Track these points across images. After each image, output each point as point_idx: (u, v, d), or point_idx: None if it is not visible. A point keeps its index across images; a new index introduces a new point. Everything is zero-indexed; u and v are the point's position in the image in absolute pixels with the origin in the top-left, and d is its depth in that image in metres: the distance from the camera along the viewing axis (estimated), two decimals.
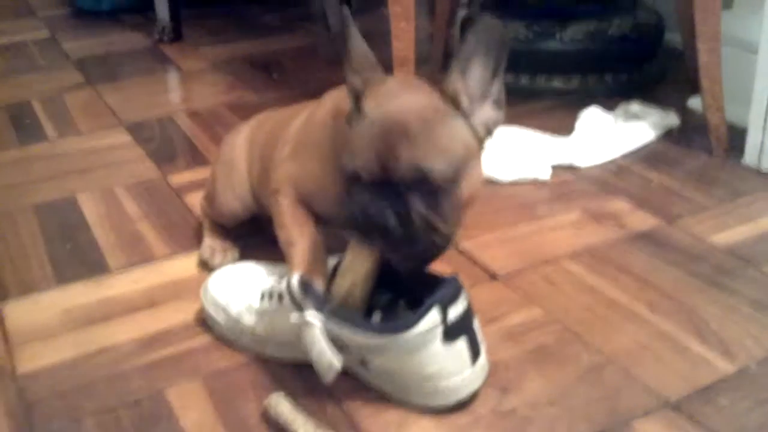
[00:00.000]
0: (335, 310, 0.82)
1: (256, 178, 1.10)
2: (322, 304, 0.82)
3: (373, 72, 0.86)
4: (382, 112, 0.80)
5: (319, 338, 0.81)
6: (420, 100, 0.82)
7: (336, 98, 0.97)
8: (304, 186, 0.97)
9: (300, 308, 0.83)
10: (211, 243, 1.13)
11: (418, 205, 0.78)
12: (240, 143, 1.14)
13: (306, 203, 0.97)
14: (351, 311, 0.84)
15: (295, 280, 0.85)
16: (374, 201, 0.79)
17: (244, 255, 1.13)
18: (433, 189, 0.79)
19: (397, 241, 0.79)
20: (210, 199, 1.16)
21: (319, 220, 0.97)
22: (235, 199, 1.12)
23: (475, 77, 0.82)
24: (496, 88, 0.83)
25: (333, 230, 0.97)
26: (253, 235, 1.16)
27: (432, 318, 0.80)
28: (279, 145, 1.03)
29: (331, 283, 0.87)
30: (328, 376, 0.82)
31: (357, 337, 0.82)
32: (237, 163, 1.13)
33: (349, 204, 0.81)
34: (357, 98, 0.85)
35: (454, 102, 0.82)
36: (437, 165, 0.78)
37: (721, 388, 0.87)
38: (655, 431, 0.81)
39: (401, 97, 0.83)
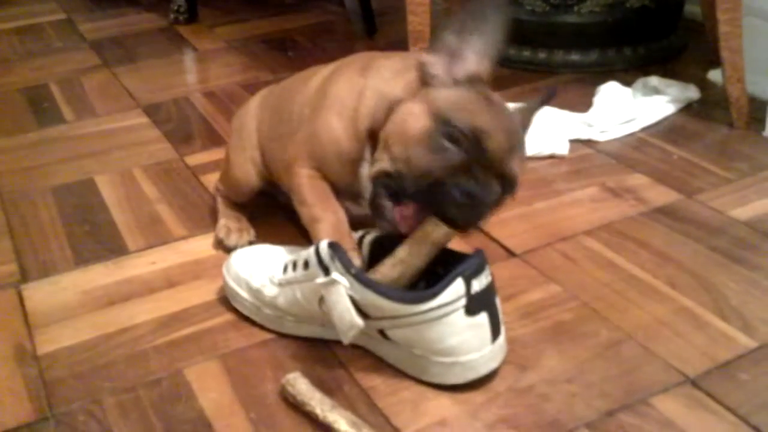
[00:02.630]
0: (361, 274, 0.82)
1: (266, 138, 1.09)
2: (349, 266, 0.82)
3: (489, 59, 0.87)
4: (505, 106, 0.87)
5: (343, 296, 0.81)
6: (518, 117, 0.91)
7: (362, 58, 0.97)
8: (319, 144, 0.94)
9: (327, 272, 0.83)
10: (226, 222, 1.13)
11: (497, 192, 0.84)
12: (250, 111, 1.15)
13: (319, 169, 0.95)
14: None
15: (324, 243, 0.84)
16: (467, 170, 0.81)
17: (260, 239, 1.13)
18: (510, 189, 0.86)
19: (467, 211, 0.82)
20: (224, 172, 1.16)
21: (337, 193, 0.96)
22: (246, 161, 1.11)
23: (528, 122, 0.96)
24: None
25: (340, 201, 0.97)
26: (268, 219, 1.16)
27: (456, 288, 0.80)
28: (297, 103, 1.01)
29: (374, 268, 0.86)
30: (349, 335, 0.82)
31: (381, 303, 0.81)
32: (247, 126, 1.13)
33: (435, 156, 0.82)
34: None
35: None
36: (517, 186, 0.86)
37: (741, 364, 0.86)
38: (674, 408, 0.81)
39: (511, 109, 0.90)
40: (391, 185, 0.85)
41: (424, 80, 0.87)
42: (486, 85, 0.86)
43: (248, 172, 1.12)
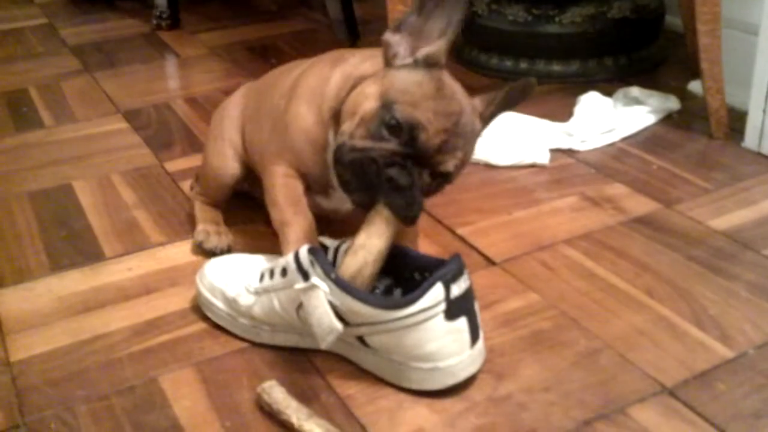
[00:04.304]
0: (341, 280, 0.81)
1: (249, 128, 1.10)
2: (329, 271, 0.82)
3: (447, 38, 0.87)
4: (457, 95, 0.86)
5: (323, 301, 0.81)
6: (472, 107, 0.89)
7: (334, 54, 0.99)
8: (289, 133, 0.96)
9: (306, 277, 0.83)
10: (204, 227, 1.13)
11: (428, 183, 0.86)
12: (235, 99, 1.17)
13: (293, 164, 0.96)
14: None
15: (304, 248, 0.84)
16: (398, 159, 0.83)
17: (235, 248, 1.13)
18: (441, 182, 0.88)
19: (399, 200, 0.83)
20: (202, 167, 1.17)
21: (308, 189, 0.98)
22: (226, 149, 1.12)
23: (491, 114, 0.93)
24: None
25: (310, 197, 0.98)
26: (243, 228, 1.16)
27: (435, 294, 0.80)
28: (275, 96, 1.03)
29: (341, 262, 0.87)
30: (328, 339, 0.81)
31: (360, 308, 0.81)
32: (230, 115, 1.14)
33: (372, 142, 0.84)
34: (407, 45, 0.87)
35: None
36: (459, 172, 0.88)
37: (719, 374, 0.86)
38: (651, 417, 0.80)
39: (463, 93, 0.88)
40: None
41: (387, 60, 0.88)
42: (443, 67, 0.87)
43: (226, 158, 1.12)
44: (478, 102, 0.91)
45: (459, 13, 0.85)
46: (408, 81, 0.85)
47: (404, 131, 0.83)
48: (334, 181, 0.92)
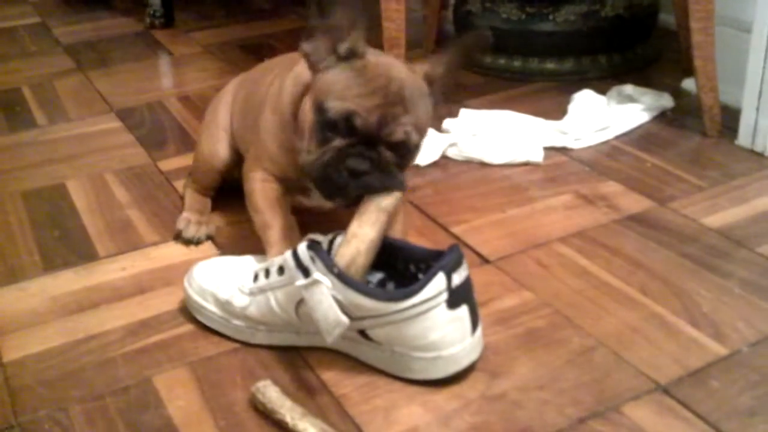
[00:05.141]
0: (343, 274, 0.82)
1: (237, 124, 1.14)
2: (331, 266, 0.82)
3: (357, 27, 0.88)
4: (382, 72, 0.87)
5: (326, 296, 0.81)
6: (411, 73, 0.90)
7: (288, 58, 1.04)
8: (261, 139, 1.00)
9: (306, 273, 0.83)
10: (187, 215, 1.15)
11: (390, 156, 0.87)
12: (228, 88, 1.21)
13: (269, 169, 1.00)
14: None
15: (302, 245, 0.84)
16: (350, 149, 0.86)
17: (221, 240, 1.13)
18: (403, 154, 0.89)
19: (370, 183, 0.86)
20: (195, 155, 1.20)
21: (288, 189, 1.00)
22: (218, 137, 1.16)
23: (441, 70, 0.92)
24: (451, 81, 0.94)
25: (291, 197, 1.01)
26: (231, 229, 1.16)
27: (437, 283, 0.81)
28: (257, 104, 1.06)
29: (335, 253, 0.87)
30: (334, 333, 0.82)
31: (363, 302, 0.81)
32: (222, 107, 1.18)
33: (322, 146, 0.87)
34: (332, 42, 0.89)
35: (428, 84, 0.91)
36: (416, 136, 0.88)
37: (712, 371, 0.86)
38: (645, 415, 0.80)
39: (397, 65, 0.90)
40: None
41: (312, 69, 0.90)
42: (364, 52, 0.88)
43: (218, 143, 1.16)
44: (423, 66, 0.92)
45: (359, 5, 0.87)
46: (331, 79, 0.88)
47: (340, 125, 0.86)
48: (309, 183, 0.95)
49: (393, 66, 0.89)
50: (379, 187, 0.86)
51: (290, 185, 1.00)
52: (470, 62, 0.94)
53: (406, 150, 0.89)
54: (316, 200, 0.99)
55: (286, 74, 0.99)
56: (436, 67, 0.92)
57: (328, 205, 0.98)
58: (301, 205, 1.03)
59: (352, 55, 0.88)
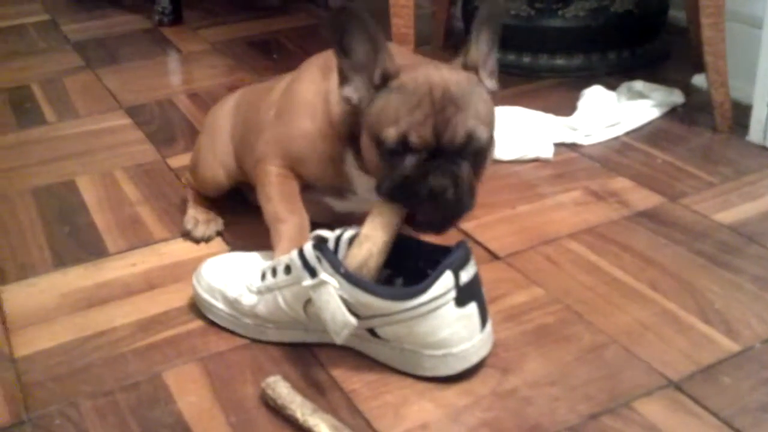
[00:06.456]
0: (350, 274, 0.81)
1: (239, 142, 1.09)
2: (338, 266, 0.81)
3: (380, 50, 0.86)
4: (422, 82, 0.83)
5: (334, 296, 0.81)
6: (450, 71, 0.86)
7: (322, 59, 0.98)
8: (293, 147, 0.96)
9: (313, 273, 0.82)
10: (194, 214, 1.14)
11: (465, 168, 0.84)
12: (225, 111, 1.15)
13: (293, 168, 0.97)
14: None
15: (308, 245, 0.84)
16: (428, 166, 0.82)
17: (229, 236, 1.13)
18: (476, 153, 0.84)
19: (444, 204, 0.83)
20: (194, 167, 1.17)
21: (305, 187, 0.98)
22: (217, 166, 1.12)
23: (483, 50, 0.88)
24: (493, 60, 0.90)
25: (317, 198, 0.99)
26: (238, 224, 1.16)
27: (445, 281, 0.80)
28: (262, 109, 1.03)
29: (345, 253, 0.87)
30: (342, 334, 0.81)
31: (371, 301, 0.81)
32: (221, 130, 1.13)
33: (394, 171, 0.84)
34: (364, 70, 0.86)
35: (473, 71, 0.87)
36: (482, 130, 0.84)
37: (724, 368, 0.86)
38: (656, 411, 0.80)
39: (433, 69, 0.86)
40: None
41: (360, 110, 0.87)
42: (397, 70, 0.85)
43: (217, 174, 1.12)
44: (457, 59, 0.89)
45: (371, 27, 0.84)
46: (378, 109, 0.85)
47: (399, 149, 0.83)
48: (357, 187, 0.95)
49: (430, 72, 0.85)
50: (455, 209, 0.84)
51: (325, 186, 0.98)
52: (497, 30, 0.89)
53: (477, 148, 0.84)
54: (351, 205, 0.99)
55: (321, 81, 0.95)
56: (470, 52, 0.87)
57: (360, 209, 0.97)
58: (327, 210, 1.01)
59: (387, 78, 0.85)
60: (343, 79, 0.87)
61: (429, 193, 0.82)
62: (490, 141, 0.87)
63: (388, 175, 0.84)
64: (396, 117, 0.83)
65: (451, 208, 0.84)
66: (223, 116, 1.15)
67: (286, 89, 1.01)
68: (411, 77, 0.84)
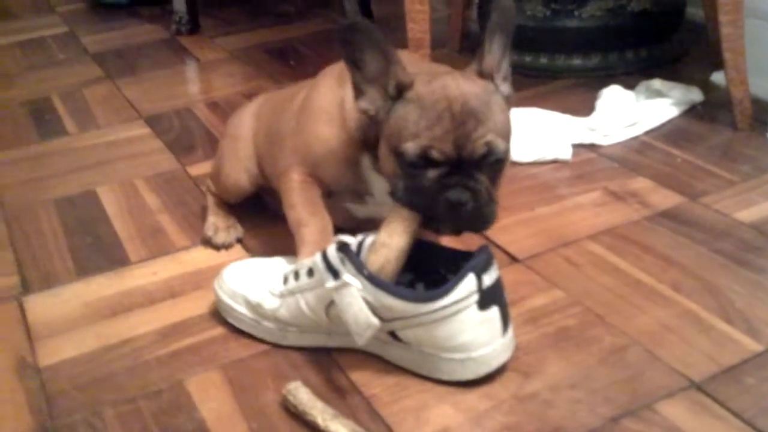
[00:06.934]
0: (374, 276, 0.82)
1: (262, 149, 1.11)
2: (361, 267, 0.82)
3: (392, 62, 0.86)
4: (440, 94, 0.83)
5: (357, 297, 0.81)
6: (467, 80, 0.86)
7: (338, 68, 0.99)
8: (312, 152, 0.97)
9: (336, 275, 0.83)
10: (214, 221, 1.15)
11: (485, 180, 0.84)
12: (246, 117, 1.17)
13: (314, 174, 0.98)
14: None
15: (332, 247, 0.84)
16: (448, 179, 0.83)
17: (249, 243, 1.13)
18: (494, 164, 0.85)
19: (465, 216, 0.83)
20: (216, 174, 1.18)
21: (328, 194, 0.99)
22: (240, 171, 1.13)
23: (496, 56, 0.88)
24: (506, 65, 0.89)
25: (339, 203, 1.00)
26: (259, 230, 1.17)
27: (468, 285, 0.80)
28: (284, 119, 1.04)
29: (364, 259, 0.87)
30: (365, 335, 0.82)
31: (394, 303, 0.81)
32: (243, 135, 1.14)
33: (413, 181, 0.84)
34: (376, 82, 0.86)
35: (490, 80, 0.87)
36: (500, 142, 0.84)
37: (747, 368, 0.85)
38: (679, 413, 0.80)
39: (450, 79, 0.85)
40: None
41: (377, 123, 0.87)
42: (411, 80, 0.85)
43: (240, 179, 1.13)
44: (471, 66, 0.88)
45: (381, 41, 0.84)
46: (395, 121, 0.85)
47: (420, 163, 0.83)
48: (374, 189, 0.95)
49: (447, 83, 0.84)
50: (476, 221, 0.85)
51: (344, 191, 0.98)
52: (510, 35, 0.88)
53: (495, 160, 0.84)
54: (371, 210, 0.99)
55: (338, 88, 0.96)
56: (485, 59, 0.87)
57: (380, 214, 0.97)
58: (347, 216, 1.01)
59: (402, 89, 0.85)
60: (358, 92, 0.87)
61: (449, 205, 0.83)
62: (507, 151, 0.87)
63: (407, 186, 0.85)
64: (416, 131, 0.83)
65: (471, 219, 0.84)
66: (245, 122, 1.16)
67: (304, 99, 1.01)
68: (428, 89, 0.84)
